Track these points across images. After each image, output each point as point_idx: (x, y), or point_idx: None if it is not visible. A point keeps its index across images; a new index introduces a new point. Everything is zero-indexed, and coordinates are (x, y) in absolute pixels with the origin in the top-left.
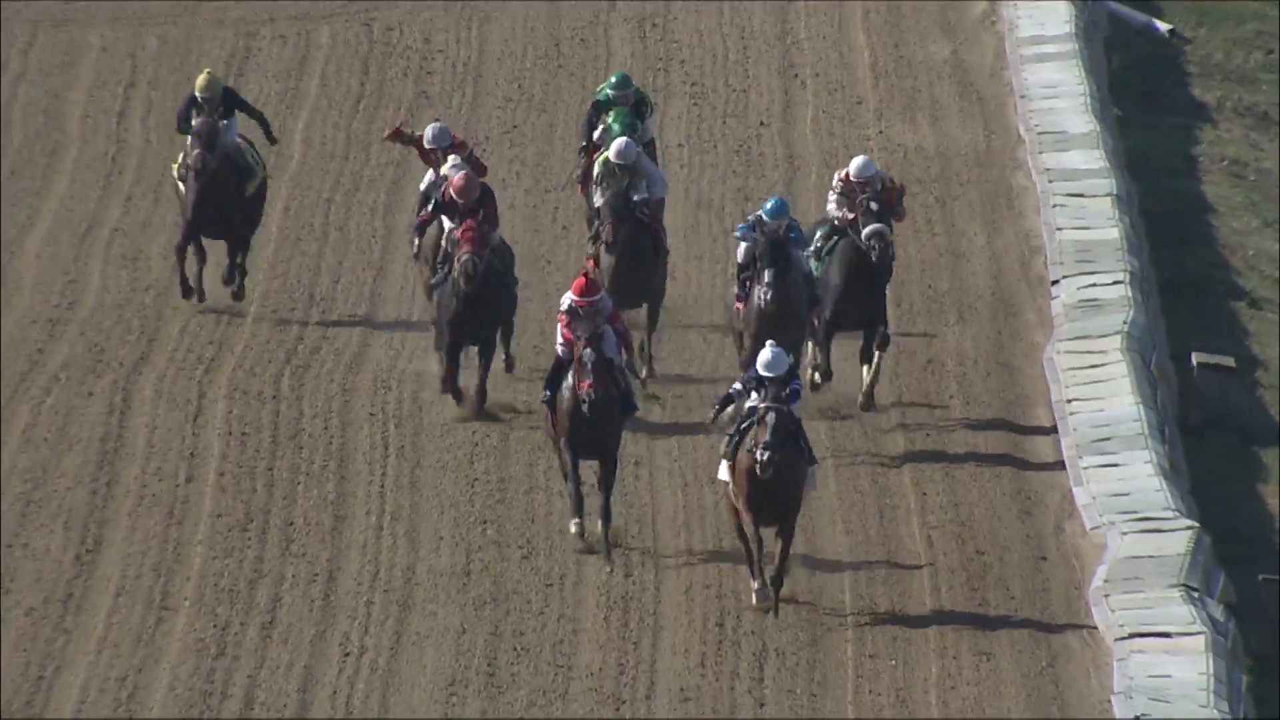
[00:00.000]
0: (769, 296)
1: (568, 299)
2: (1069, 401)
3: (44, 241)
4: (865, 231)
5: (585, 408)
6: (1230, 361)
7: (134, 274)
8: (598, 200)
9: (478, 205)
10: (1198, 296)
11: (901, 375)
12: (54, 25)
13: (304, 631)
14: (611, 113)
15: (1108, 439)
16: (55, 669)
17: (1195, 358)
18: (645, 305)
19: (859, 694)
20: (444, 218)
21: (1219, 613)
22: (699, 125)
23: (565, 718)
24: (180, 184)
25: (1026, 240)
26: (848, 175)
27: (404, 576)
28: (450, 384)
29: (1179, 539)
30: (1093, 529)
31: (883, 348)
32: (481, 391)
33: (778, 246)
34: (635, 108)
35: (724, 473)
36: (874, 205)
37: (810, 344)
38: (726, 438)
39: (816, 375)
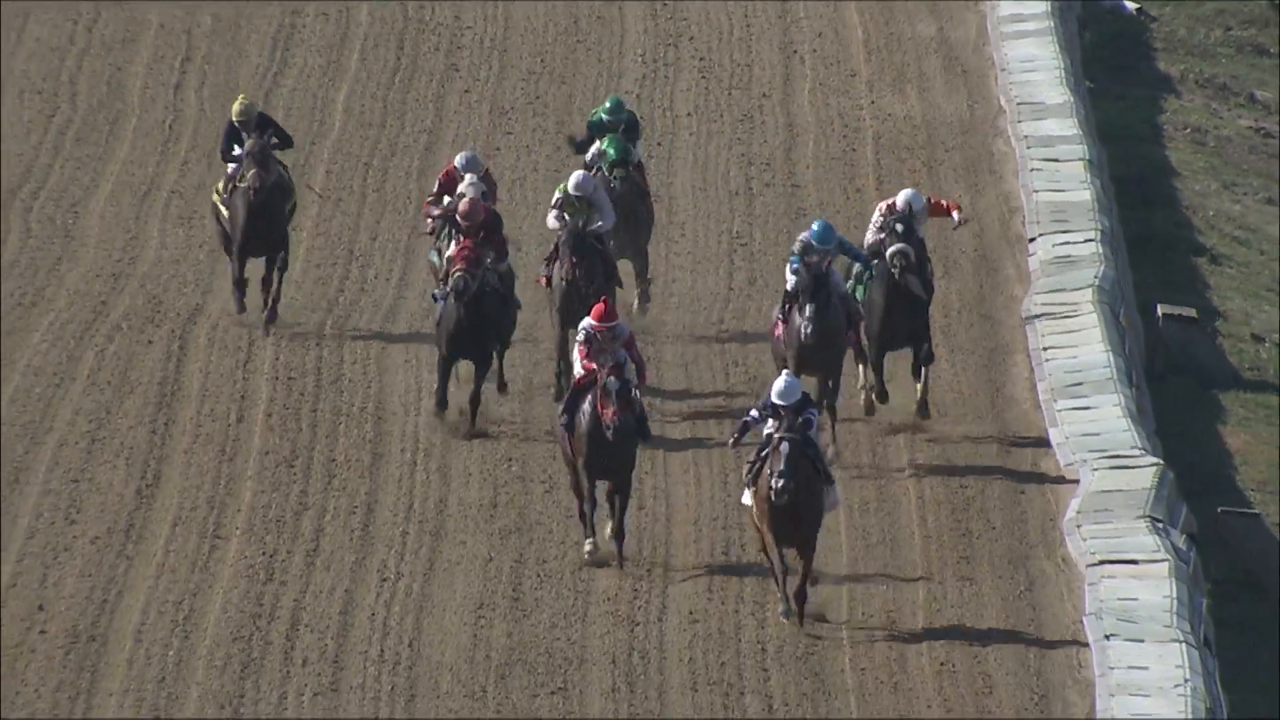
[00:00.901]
0: (809, 330)
1: (586, 324)
2: (1045, 349)
3: (107, 202)
4: (889, 251)
5: (610, 434)
6: (1192, 313)
7: (189, 232)
8: (552, 223)
9: (479, 228)
10: (1162, 253)
11: None
12: (116, 4)
13: (345, 559)
14: (606, 139)
15: (1080, 384)
16: (118, 593)
17: (1160, 309)
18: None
19: (852, 615)
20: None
21: (1181, 542)
22: (706, 96)
23: (584, 638)
24: (223, 208)
25: (1006, 201)
26: (893, 204)
27: (436, 509)
28: (439, 395)
29: (1145, 475)
30: (1066, 465)
31: (927, 363)
32: (474, 401)
33: (819, 280)
34: (627, 130)
35: (747, 498)
36: (899, 227)
37: (861, 367)
38: (747, 465)
39: (873, 397)
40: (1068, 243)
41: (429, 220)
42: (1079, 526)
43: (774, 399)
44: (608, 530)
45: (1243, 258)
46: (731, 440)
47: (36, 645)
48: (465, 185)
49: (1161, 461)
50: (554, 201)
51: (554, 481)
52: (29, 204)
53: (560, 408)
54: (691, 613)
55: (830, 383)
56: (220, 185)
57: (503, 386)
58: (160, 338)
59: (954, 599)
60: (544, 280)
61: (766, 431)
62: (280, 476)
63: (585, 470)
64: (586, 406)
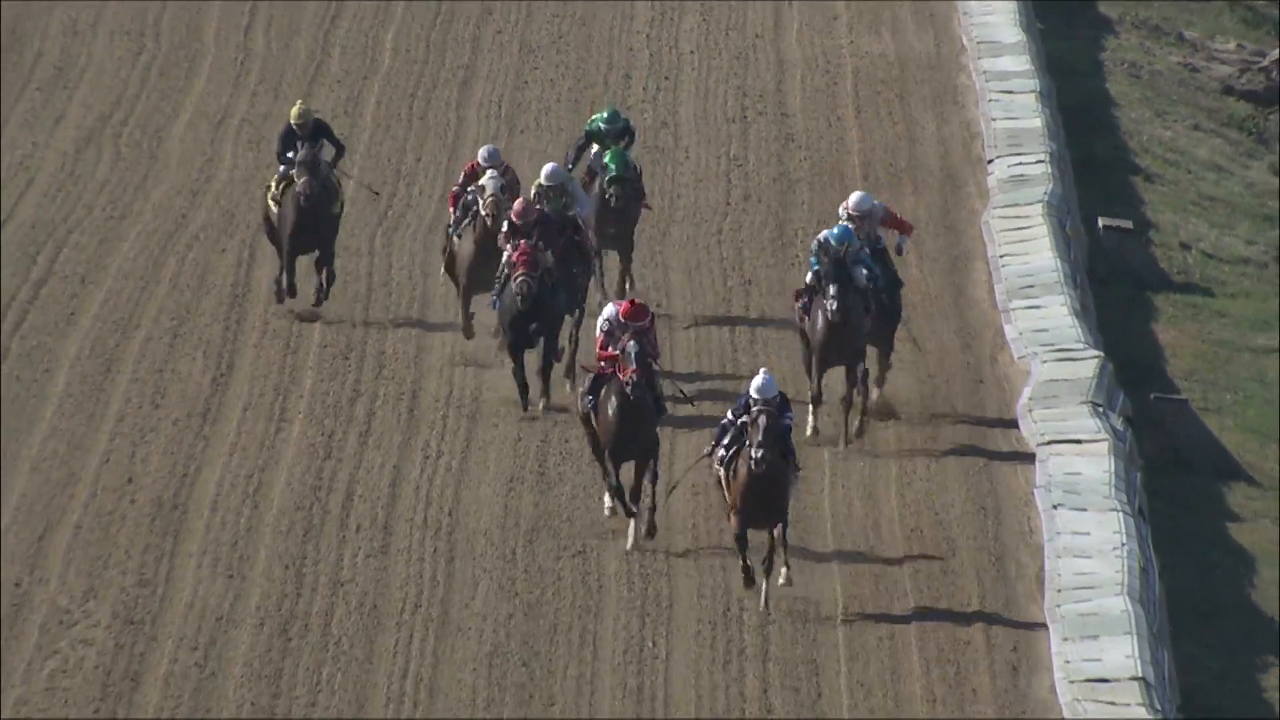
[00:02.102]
0: (834, 309)
1: (610, 310)
2: (1001, 256)
3: (186, 128)
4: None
5: (628, 389)
6: (1129, 224)
7: (257, 155)
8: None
9: (533, 226)
10: (1103, 172)
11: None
12: None
13: (393, 439)
14: (610, 152)
15: (1032, 286)
16: (196, 468)
17: (1101, 221)
18: (573, 311)
19: (834, 489)
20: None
21: (1119, 424)
22: (707, 36)
23: (601, 507)
24: (274, 206)
25: (968, 128)
26: (849, 209)
27: (472, 395)
28: (519, 378)
29: (1088, 366)
30: (1019, 358)
31: (884, 366)
32: (545, 378)
33: (840, 265)
34: (622, 136)
35: (718, 469)
36: (866, 251)
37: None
38: (721, 448)
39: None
40: (1021, 164)
41: (453, 210)
42: (1030, 411)
43: (752, 393)
44: (646, 499)
45: (1172, 177)
46: (709, 450)
47: (127, 513)
48: (486, 179)
49: (1102, 354)
50: (531, 198)
51: (574, 374)
52: (119, 130)
53: (583, 390)
54: (694, 485)
55: (859, 369)
56: (273, 185)
57: (559, 356)
58: (233, 247)
59: (922, 474)
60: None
61: (742, 420)
62: (337, 367)
63: (611, 453)
64: (611, 391)
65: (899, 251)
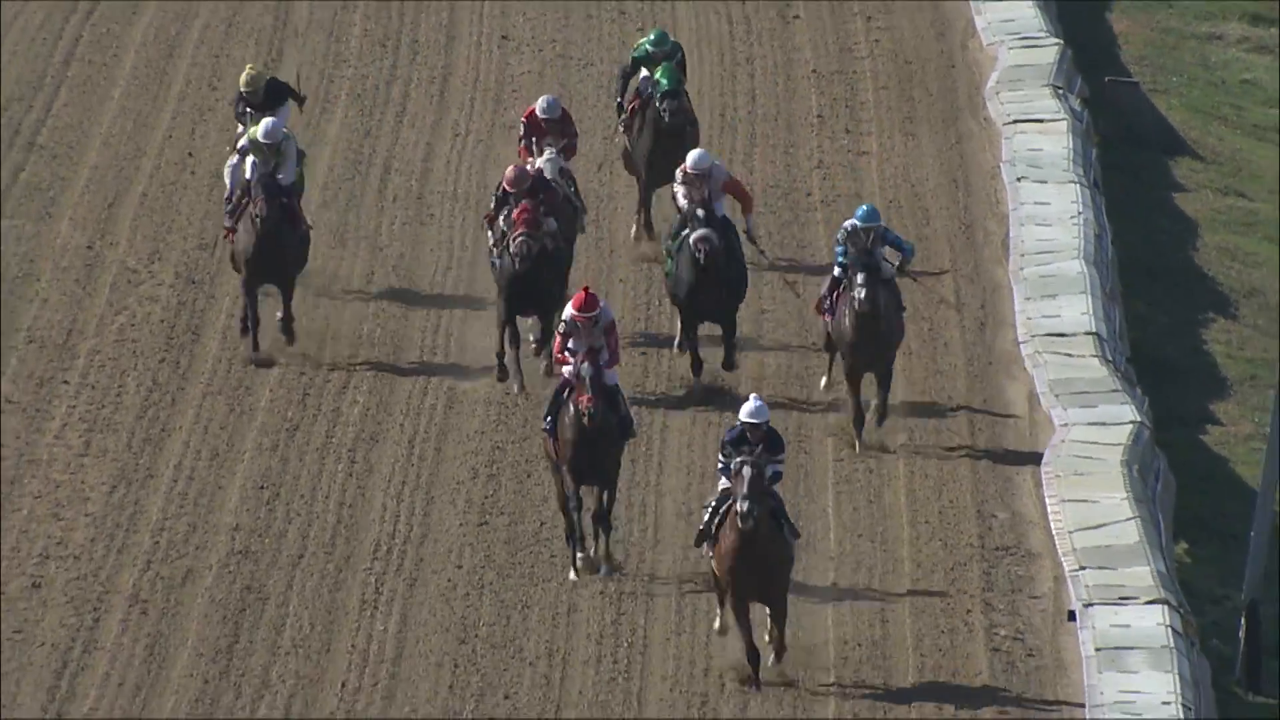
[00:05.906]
0: (863, 296)
1: (568, 314)
2: None
3: None
4: (693, 238)
5: (586, 420)
6: None
7: None
8: (248, 174)
9: (530, 193)
10: None
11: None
12: None
13: (426, 118)
14: (660, 68)
15: None
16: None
17: None
18: (282, 283)
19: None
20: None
21: (1077, 105)
22: None
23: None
24: (229, 169)
25: None
26: (685, 167)
27: (496, 79)
28: (500, 357)
29: (1050, 52)
30: (988, 45)
31: (728, 338)
32: (545, 338)
33: (869, 255)
34: (671, 58)
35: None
36: (700, 213)
37: (679, 334)
38: (707, 511)
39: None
40: None
41: (490, 232)
42: (998, 93)
43: (743, 417)
44: (600, 544)
45: None
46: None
47: (188, 184)
48: (543, 161)
49: (1062, 41)
50: (242, 150)
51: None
52: None
53: (544, 410)
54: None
55: (882, 379)
56: (229, 149)
57: (539, 349)
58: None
59: (899, 150)
60: (229, 233)
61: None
62: (375, 54)
63: (570, 473)
64: (570, 409)
65: (749, 237)
